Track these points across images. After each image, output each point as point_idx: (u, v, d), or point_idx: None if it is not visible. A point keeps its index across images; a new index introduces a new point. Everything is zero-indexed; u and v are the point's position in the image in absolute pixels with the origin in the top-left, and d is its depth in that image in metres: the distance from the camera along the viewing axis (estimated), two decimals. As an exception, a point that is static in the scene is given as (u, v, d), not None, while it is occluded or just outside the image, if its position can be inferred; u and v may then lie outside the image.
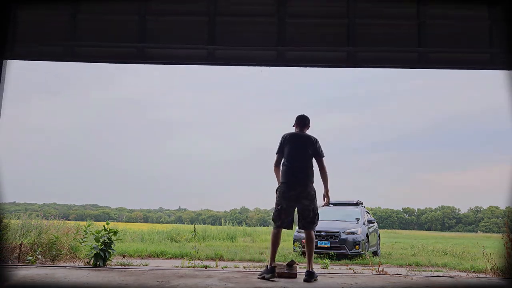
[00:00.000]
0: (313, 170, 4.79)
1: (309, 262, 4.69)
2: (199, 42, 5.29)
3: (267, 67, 5.52)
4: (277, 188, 4.80)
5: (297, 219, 4.98)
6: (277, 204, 4.74)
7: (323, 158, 4.83)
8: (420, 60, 5.22)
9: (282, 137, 4.88)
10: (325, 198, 4.92)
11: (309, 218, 4.74)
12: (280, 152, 4.83)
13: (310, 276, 4.58)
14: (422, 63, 5.25)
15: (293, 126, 5.00)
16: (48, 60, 5.55)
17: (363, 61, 5.32)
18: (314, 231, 4.82)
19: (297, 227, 10.44)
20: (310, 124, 4.99)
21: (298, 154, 4.74)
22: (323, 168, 4.82)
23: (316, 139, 4.84)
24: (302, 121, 4.96)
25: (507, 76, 5.04)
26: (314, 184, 4.82)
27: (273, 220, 4.79)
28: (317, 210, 4.83)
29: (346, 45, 5.22)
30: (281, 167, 4.81)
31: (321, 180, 4.88)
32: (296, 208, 4.78)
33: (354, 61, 5.27)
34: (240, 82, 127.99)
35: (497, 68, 5.19)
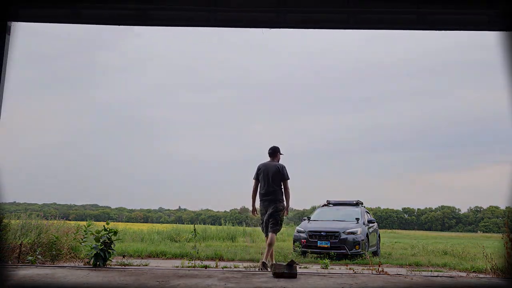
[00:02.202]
0: (281, 191, 6.17)
1: (266, 255, 5.91)
2: (201, 4, 5.24)
3: (267, 29, 5.42)
4: (259, 206, 6.25)
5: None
6: (260, 219, 6.27)
7: (288, 181, 6.21)
8: (419, 21, 5.23)
9: (258, 167, 6.32)
10: (285, 211, 6.23)
11: (271, 225, 6.04)
12: (256, 178, 6.32)
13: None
14: (420, 24, 5.26)
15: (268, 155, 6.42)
16: (53, 22, 5.46)
17: (364, 22, 5.31)
18: (275, 235, 6.13)
19: (297, 227, 10.47)
20: (281, 152, 6.44)
21: (269, 181, 6.14)
22: (286, 189, 6.20)
23: (283, 166, 6.24)
24: (273, 152, 6.38)
25: (504, 38, 5.03)
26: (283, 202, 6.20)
27: (262, 230, 6.34)
28: (280, 220, 6.11)
29: (346, 6, 5.19)
30: (257, 191, 6.30)
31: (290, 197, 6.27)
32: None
33: (355, 23, 5.26)
34: (241, 81, 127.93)
35: (494, 29, 5.18)
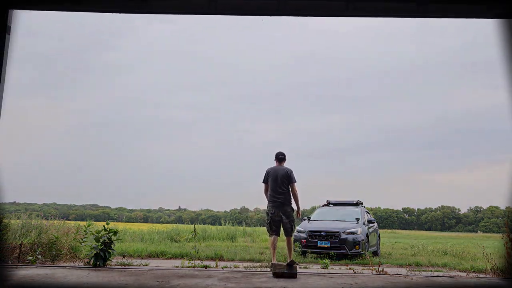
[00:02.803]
0: (289, 194, 6.44)
1: (289, 255, 6.25)
2: None
3: (268, 17, 5.44)
4: (267, 207, 6.53)
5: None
6: (267, 219, 6.48)
7: (295, 184, 6.47)
8: (419, 9, 5.25)
9: (266, 171, 6.62)
10: (297, 214, 6.54)
11: (287, 229, 6.36)
12: (265, 182, 6.62)
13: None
14: (420, 12, 5.28)
15: (275, 160, 6.70)
16: (52, 10, 5.42)
17: (363, 10, 5.32)
18: (292, 237, 6.54)
19: (297, 227, 10.47)
20: (286, 158, 6.70)
21: (277, 184, 6.44)
22: (294, 191, 6.47)
23: (290, 170, 6.52)
24: (281, 157, 6.68)
25: (502, 25, 5.03)
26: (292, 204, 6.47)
27: (267, 230, 6.51)
28: (294, 222, 6.46)
29: None
30: (267, 193, 6.56)
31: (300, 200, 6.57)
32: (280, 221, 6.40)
33: (354, 10, 5.27)
34: (242, 80, 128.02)
35: (493, 17, 5.18)
